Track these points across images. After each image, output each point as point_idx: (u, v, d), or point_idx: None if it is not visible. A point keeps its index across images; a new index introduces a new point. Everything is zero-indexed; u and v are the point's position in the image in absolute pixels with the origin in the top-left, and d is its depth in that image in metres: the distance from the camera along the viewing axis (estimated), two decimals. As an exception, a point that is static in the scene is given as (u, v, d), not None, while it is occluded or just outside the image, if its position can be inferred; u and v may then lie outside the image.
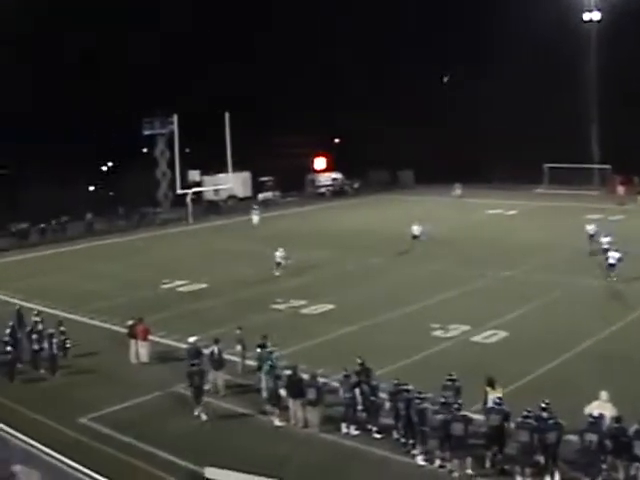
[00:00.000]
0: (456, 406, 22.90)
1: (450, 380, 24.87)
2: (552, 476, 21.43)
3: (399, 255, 51.56)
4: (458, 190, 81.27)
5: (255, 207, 72.06)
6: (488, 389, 24.16)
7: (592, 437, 20.83)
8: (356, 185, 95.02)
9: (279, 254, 48.26)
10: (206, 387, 28.14)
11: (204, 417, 27.01)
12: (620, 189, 78.48)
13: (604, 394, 22.70)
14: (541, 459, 21.70)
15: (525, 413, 22.04)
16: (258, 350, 29.10)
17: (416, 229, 54.31)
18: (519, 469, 21.72)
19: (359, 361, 26.54)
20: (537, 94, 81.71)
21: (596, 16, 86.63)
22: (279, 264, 47.98)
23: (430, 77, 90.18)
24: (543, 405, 22.19)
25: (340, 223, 69.02)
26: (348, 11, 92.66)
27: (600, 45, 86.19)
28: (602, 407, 22.21)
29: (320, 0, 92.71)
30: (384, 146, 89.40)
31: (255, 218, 70.17)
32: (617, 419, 21.37)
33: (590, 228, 51.44)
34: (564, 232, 57.73)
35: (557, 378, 28.38)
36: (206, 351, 29.50)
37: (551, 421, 21.68)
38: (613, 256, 43.14)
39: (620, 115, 79.64)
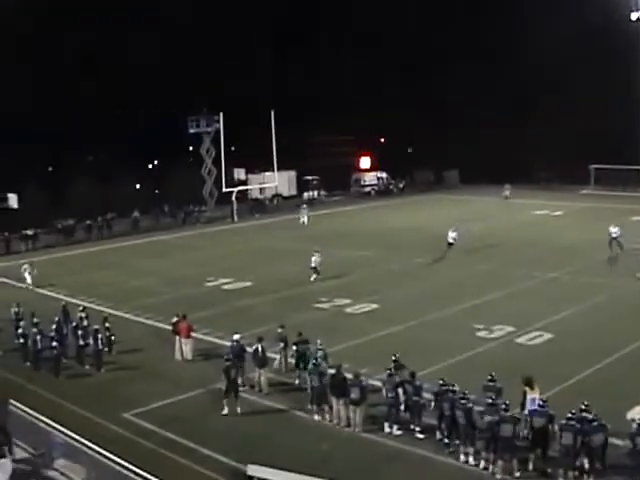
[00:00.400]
0: (503, 407, 22.76)
1: (491, 381, 24.74)
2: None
3: (445, 255, 51.29)
4: (507, 191, 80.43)
5: (304, 206, 72.01)
6: (527, 389, 24.02)
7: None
8: (401, 185, 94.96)
9: (315, 259, 47.28)
10: (240, 381, 28.41)
11: (225, 411, 27.35)
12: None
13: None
14: (585, 462, 21.53)
15: (569, 415, 21.86)
16: (294, 347, 29.24)
17: (451, 236, 52.14)
18: (562, 472, 21.59)
19: (394, 358, 26.70)
20: (585, 94, 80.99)
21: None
22: (315, 269, 47.23)
23: (477, 76, 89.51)
24: (582, 407, 22.09)
25: (385, 222, 68.88)
26: (392, 9, 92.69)
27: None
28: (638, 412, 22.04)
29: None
30: (430, 146, 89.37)
31: (304, 217, 70.18)
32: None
33: (614, 230, 50.63)
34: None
35: (601, 381, 28.12)
36: (250, 349, 29.60)
37: (595, 423, 21.50)
38: None
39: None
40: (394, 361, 26.65)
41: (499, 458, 22.12)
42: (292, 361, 29.84)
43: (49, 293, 46.89)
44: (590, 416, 21.64)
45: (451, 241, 51.79)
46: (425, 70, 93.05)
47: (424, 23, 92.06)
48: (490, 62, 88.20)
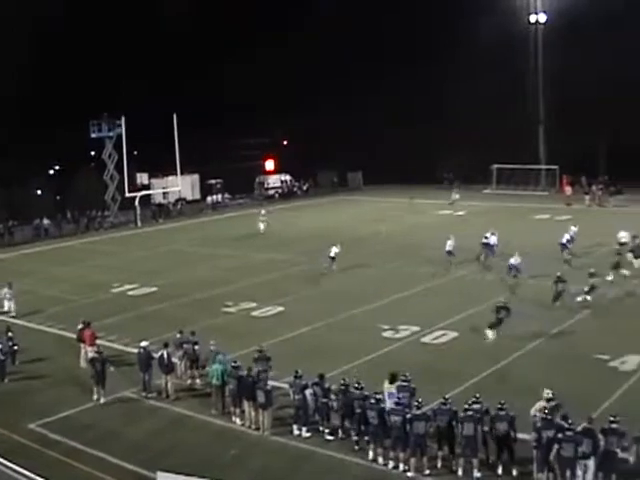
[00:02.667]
0: (416, 404, 23.06)
1: (405, 381, 25.01)
2: (505, 470, 21.92)
3: (351, 256, 51.56)
4: (456, 195, 78.91)
5: (262, 212, 68.96)
6: (386, 382, 24.84)
7: (549, 434, 21.05)
8: (305, 187, 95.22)
9: (334, 249, 48.71)
10: (111, 369, 29.48)
11: (103, 400, 28.56)
12: (568, 189, 79.28)
13: (547, 392, 22.93)
14: (493, 452, 22.25)
15: (466, 406, 22.48)
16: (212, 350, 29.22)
17: (449, 244, 49.24)
18: (466, 463, 22.10)
19: (258, 348, 28.13)
20: (484, 95, 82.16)
21: (542, 18, 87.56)
22: (334, 259, 48.29)
23: (379, 77, 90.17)
24: (474, 399, 22.80)
25: (290, 225, 68.94)
26: (300, 7, 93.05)
27: (546, 47, 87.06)
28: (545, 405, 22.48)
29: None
30: (333, 147, 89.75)
31: (262, 225, 65.91)
32: (564, 417, 21.62)
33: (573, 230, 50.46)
34: (512, 232, 58.17)
35: (506, 377, 28.64)
36: (156, 355, 29.42)
37: (503, 412, 22.09)
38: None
39: (567, 116, 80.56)
40: (259, 351, 27.79)
41: (411, 456, 22.37)
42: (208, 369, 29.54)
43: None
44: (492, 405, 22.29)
45: (450, 249, 49.05)
46: (328, 71, 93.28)
47: (328, 21, 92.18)
48: (393, 62, 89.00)
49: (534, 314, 37.16)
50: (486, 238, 49.77)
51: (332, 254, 48.62)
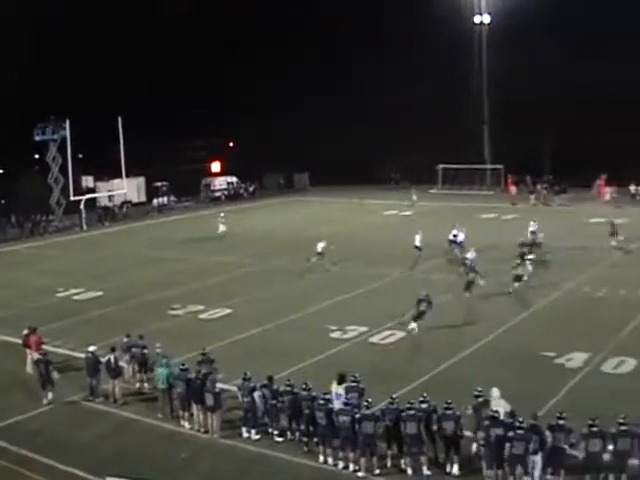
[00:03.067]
0: (365, 404, 23.09)
1: (354, 381, 25.04)
2: (452, 467, 22.07)
3: (299, 258, 51.56)
4: (414, 196, 77.76)
5: (221, 214, 67.46)
6: (334, 383, 24.86)
7: (497, 431, 21.21)
8: (251, 188, 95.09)
9: (321, 244, 49.49)
10: (55, 374, 29.09)
11: (48, 399, 28.75)
12: (513, 189, 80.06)
13: (495, 391, 23.14)
14: (440, 450, 22.46)
15: (408, 405, 22.53)
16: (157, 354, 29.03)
17: (418, 239, 50.35)
18: (414, 461, 22.20)
19: (202, 352, 28.21)
20: (429, 95, 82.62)
21: (486, 19, 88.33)
22: (321, 254, 49.12)
23: (328, 78, 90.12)
24: (421, 398, 23.01)
25: (237, 226, 68.62)
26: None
27: (491, 47, 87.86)
28: (496, 404, 22.62)
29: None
30: (279, 149, 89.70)
31: (221, 226, 64.53)
32: (511, 414, 21.81)
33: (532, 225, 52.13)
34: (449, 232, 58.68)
35: (455, 376, 28.81)
36: (103, 359, 29.18)
37: (449, 412, 22.22)
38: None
39: (512, 116, 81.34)
40: (202, 354, 27.89)
41: (361, 456, 22.42)
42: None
43: None
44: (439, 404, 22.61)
45: (418, 244, 50.10)
46: (273, 72, 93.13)
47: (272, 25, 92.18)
48: (339, 63, 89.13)
49: (482, 312, 37.54)
50: (455, 236, 50.79)
51: (319, 250, 49.18)
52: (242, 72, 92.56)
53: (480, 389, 23.30)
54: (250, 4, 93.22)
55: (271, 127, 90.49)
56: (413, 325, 34.71)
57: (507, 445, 20.80)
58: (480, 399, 23.02)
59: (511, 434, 20.95)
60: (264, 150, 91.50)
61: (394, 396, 23.61)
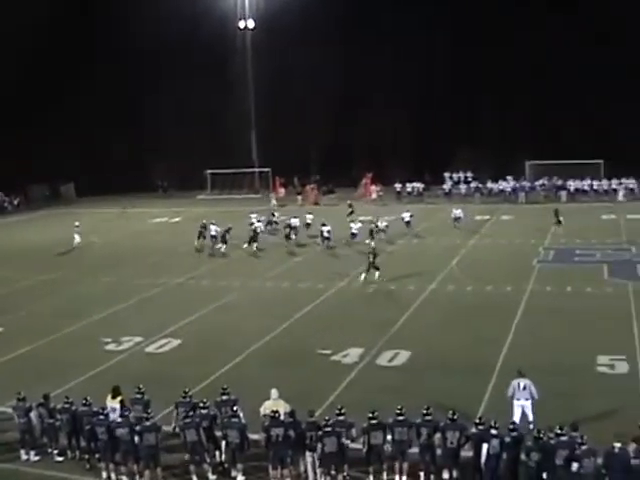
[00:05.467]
0: (145, 416, 22.62)
1: (139, 393, 24.53)
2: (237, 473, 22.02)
3: (70, 270, 50.30)
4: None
5: (77, 223, 62.72)
6: (109, 397, 24.34)
7: (278, 431, 21.28)
8: (16, 201, 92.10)
9: (215, 228, 54.41)
10: None
11: None
12: (281, 191, 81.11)
13: (274, 392, 23.27)
14: (224, 457, 22.41)
15: (184, 414, 22.50)
16: None
17: (325, 230, 54.73)
18: (197, 468, 21.98)
19: None
20: (195, 100, 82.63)
21: (251, 24, 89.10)
22: (328, 239, 53.92)
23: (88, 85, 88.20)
24: (201, 404, 22.92)
25: (3, 240, 66.38)
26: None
27: (256, 51, 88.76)
28: (275, 405, 22.73)
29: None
30: (43, 161, 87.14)
31: (77, 236, 60.57)
32: (291, 414, 21.96)
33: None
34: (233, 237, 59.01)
35: (233, 380, 28.73)
36: None
37: (235, 420, 22.14)
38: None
39: (278, 119, 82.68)
40: None
41: (144, 468, 21.98)
42: None
43: None
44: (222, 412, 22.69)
45: (354, 232, 55.56)
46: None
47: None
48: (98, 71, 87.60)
49: (259, 314, 37.86)
50: (323, 225, 54.72)
51: (325, 234, 53.69)
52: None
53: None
54: None
55: (32, 139, 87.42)
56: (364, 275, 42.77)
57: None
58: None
59: (291, 433, 21.17)
60: (25, 162, 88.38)
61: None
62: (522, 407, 23.67)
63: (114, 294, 44.01)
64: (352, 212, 63.63)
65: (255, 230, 55.88)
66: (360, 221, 57.76)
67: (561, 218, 56.11)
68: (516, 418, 23.30)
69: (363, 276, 43.72)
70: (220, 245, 53.73)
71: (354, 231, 55.38)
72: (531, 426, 22.97)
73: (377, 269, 43.80)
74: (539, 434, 19.80)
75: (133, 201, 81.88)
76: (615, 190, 76.96)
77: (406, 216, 58.63)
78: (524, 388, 23.72)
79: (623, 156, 73.32)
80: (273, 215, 62.83)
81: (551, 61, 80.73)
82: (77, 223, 61.26)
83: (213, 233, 55.07)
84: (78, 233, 60.27)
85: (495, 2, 79.99)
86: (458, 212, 60.78)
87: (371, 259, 43.99)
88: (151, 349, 34.03)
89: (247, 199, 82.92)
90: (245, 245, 54.56)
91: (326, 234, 54.13)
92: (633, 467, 18.85)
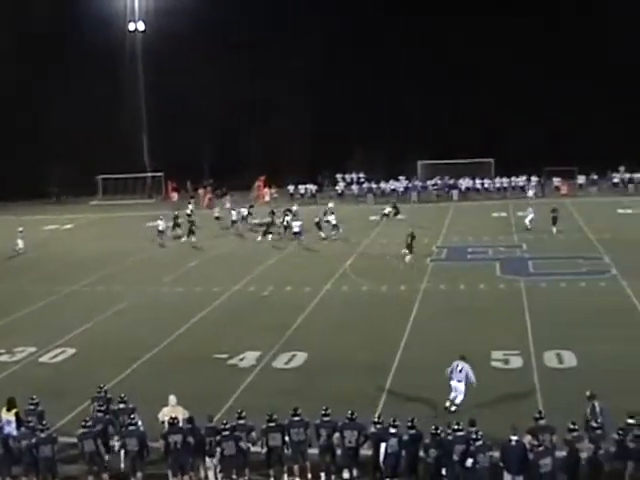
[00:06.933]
0: (40, 427, 22.18)
1: (32, 404, 24.06)
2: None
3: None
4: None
5: (20, 229, 60.80)
6: (4, 411, 23.80)
7: (176, 438, 21.21)
8: None
9: (332, 217, 57.70)
10: None
11: None
12: (174, 195, 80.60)
13: (172, 398, 23.16)
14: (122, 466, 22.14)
15: (84, 422, 22.07)
16: None
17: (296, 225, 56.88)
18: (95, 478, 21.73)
19: None
20: (85, 104, 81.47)
21: (141, 26, 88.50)
22: (336, 226, 57.07)
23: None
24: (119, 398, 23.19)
25: None
26: None
27: (147, 54, 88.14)
28: (174, 411, 22.61)
29: None
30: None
31: (20, 241, 58.86)
32: (189, 420, 21.88)
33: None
34: (124, 242, 58.29)
35: (130, 387, 28.43)
36: None
37: (132, 427, 21.92)
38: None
39: (170, 123, 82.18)
40: None
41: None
42: None
43: None
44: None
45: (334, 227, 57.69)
46: None
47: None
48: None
49: (154, 320, 37.64)
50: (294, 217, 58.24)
51: (334, 222, 56.98)
52: None
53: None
54: None
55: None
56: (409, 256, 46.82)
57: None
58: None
59: (190, 439, 21.17)
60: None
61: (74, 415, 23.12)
62: (455, 387, 24.96)
63: (7, 304, 42.96)
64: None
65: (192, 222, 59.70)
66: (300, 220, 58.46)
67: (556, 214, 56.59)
68: (450, 396, 24.84)
69: (408, 258, 47.52)
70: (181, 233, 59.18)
71: (296, 229, 56.14)
72: (457, 400, 24.96)
73: (410, 252, 47.86)
74: (436, 430, 20.17)
75: (26, 209, 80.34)
76: (506, 188, 78.70)
77: (296, 225, 57.31)
78: (460, 370, 25.01)
79: (513, 155, 75.00)
80: (178, 217, 61.90)
81: (443, 61, 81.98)
82: (20, 228, 59.98)
83: (161, 228, 58.15)
84: (21, 238, 59.07)
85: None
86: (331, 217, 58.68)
87: (409, 241, 47.83)
88: (45, 359, 33.43)
89: (140, 204, 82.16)
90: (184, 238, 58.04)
91: (296, 229, 56.09)
92: (529, 459, 19.39)
